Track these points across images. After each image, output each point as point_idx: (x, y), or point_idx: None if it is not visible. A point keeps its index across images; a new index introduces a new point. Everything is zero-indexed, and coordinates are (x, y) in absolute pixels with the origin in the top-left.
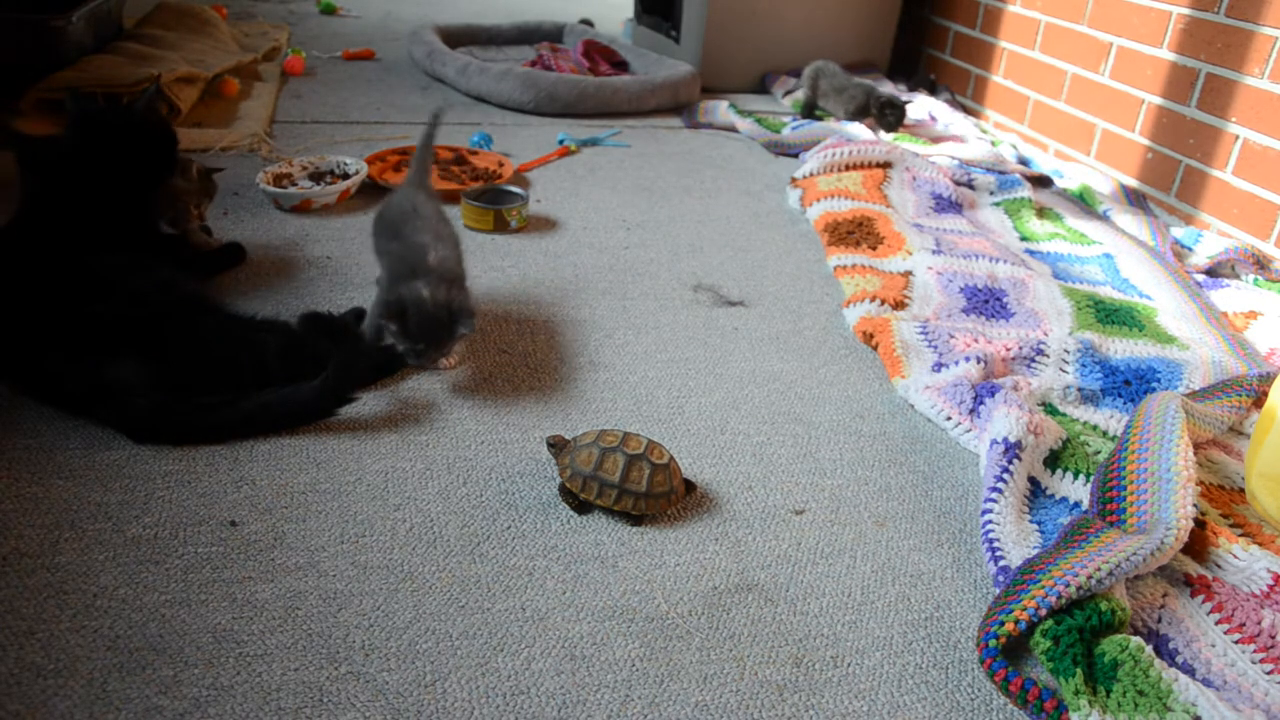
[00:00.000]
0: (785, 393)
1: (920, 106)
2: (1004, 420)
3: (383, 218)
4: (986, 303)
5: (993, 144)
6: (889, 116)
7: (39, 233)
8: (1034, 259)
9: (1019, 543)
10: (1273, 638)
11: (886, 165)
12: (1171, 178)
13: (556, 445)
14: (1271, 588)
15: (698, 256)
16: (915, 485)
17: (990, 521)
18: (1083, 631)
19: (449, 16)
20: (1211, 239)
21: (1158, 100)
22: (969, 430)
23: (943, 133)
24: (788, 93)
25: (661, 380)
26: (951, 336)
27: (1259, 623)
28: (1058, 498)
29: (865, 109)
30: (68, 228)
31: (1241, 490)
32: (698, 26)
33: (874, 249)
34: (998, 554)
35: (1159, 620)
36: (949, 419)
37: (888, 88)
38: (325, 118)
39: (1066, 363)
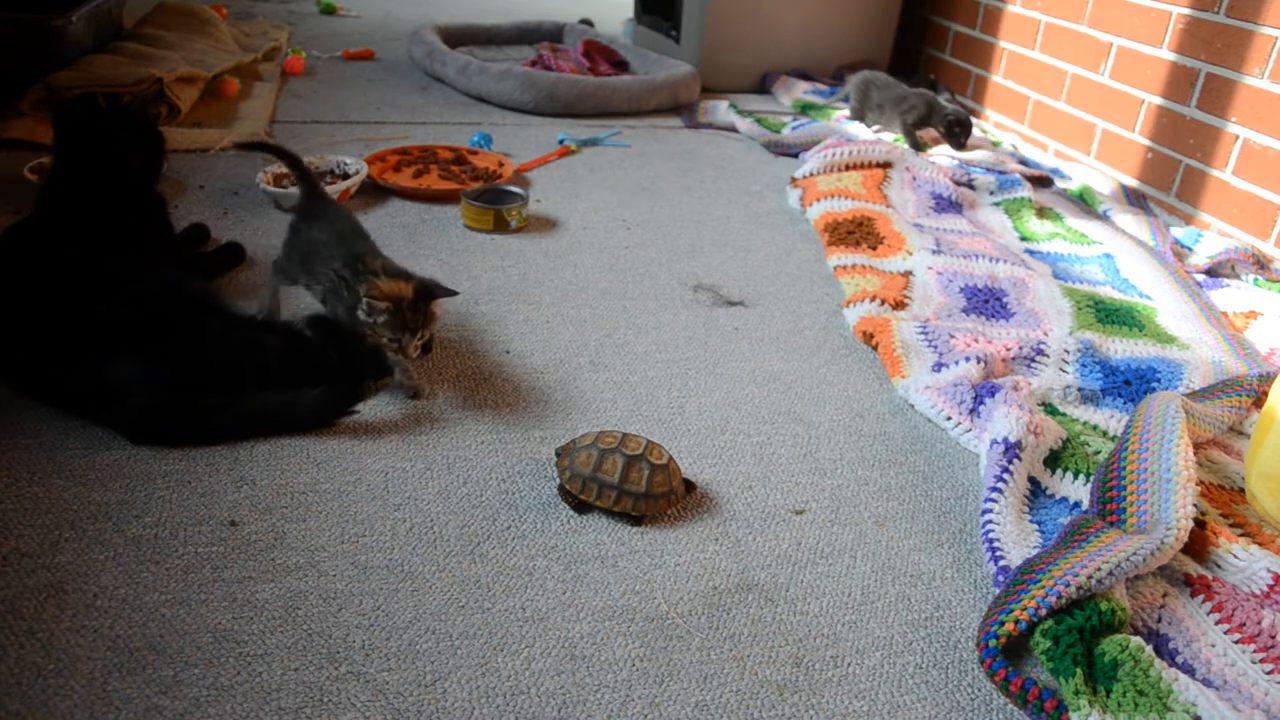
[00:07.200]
0: (785, 393)
1: None
2: (1004, 420)
3: None
4: (986, 303)
5: (993, 144)
6: (959, 135)
7: (45, 232)
8: (1034, 259)
9: (1019, 543)
10: (1273, 638)
11: (886, 165)
12: (1171, 178)
13: (560, 451)
14: (1271, 588)
15: (698, 256)
16: (915, 485)
17: (990, 521)
18: (1083, 631)
19: (449, 16)
20: (1211, 239)
21: (1158, 100)
22: (969, 430)
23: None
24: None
25: (661, 380)
26: (951, 336)
27: (1259, 623)
28: (1058, 498)
29: (926, 120)
30: (73, 227)
31: (1241, 490)
32: (698, 26)
33: (874, 249)
34: (998, 554)
35: (1159, 620)
36: (949, 419)
37: (945, 98)
38: (325, 118)
39: (1066, 363)
